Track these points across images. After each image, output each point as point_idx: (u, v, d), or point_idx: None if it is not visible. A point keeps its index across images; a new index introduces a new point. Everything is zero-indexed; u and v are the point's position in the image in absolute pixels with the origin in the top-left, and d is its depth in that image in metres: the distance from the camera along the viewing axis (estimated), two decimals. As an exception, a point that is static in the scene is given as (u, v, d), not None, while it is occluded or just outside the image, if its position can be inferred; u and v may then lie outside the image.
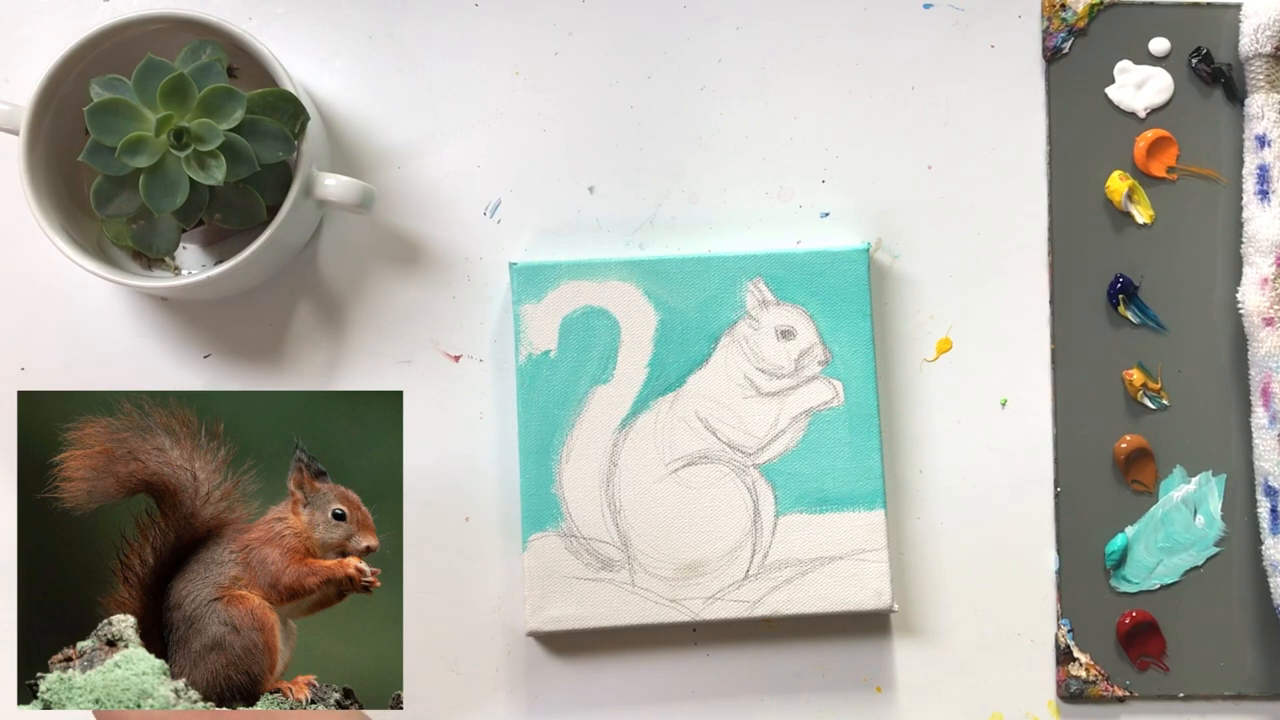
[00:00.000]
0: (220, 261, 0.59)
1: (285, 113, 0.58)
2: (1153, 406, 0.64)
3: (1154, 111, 0.65)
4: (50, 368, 0.64)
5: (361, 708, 0.53)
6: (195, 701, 0.51)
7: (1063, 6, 0.65)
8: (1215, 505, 0.64)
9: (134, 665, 0.51)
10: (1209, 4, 0.65)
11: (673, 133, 0.65)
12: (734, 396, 0.62)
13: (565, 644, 0.63)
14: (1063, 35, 0.65)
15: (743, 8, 0.66)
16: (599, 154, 0.65)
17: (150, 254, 0.59)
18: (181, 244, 0.63)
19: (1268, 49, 0.63)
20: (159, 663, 0.51)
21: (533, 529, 0.61)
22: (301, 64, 0.65)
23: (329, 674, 0.53)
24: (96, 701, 0.50)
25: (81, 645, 0.51)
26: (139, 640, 0.51)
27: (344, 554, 0.53)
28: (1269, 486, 0.62)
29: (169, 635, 0.52)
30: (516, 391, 0.62)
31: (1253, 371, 0.63)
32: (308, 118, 0.59)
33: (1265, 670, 0.63)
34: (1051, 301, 0.65)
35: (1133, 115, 0.65)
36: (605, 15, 0.66)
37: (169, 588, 0.52)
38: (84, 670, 0.51)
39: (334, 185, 0.59)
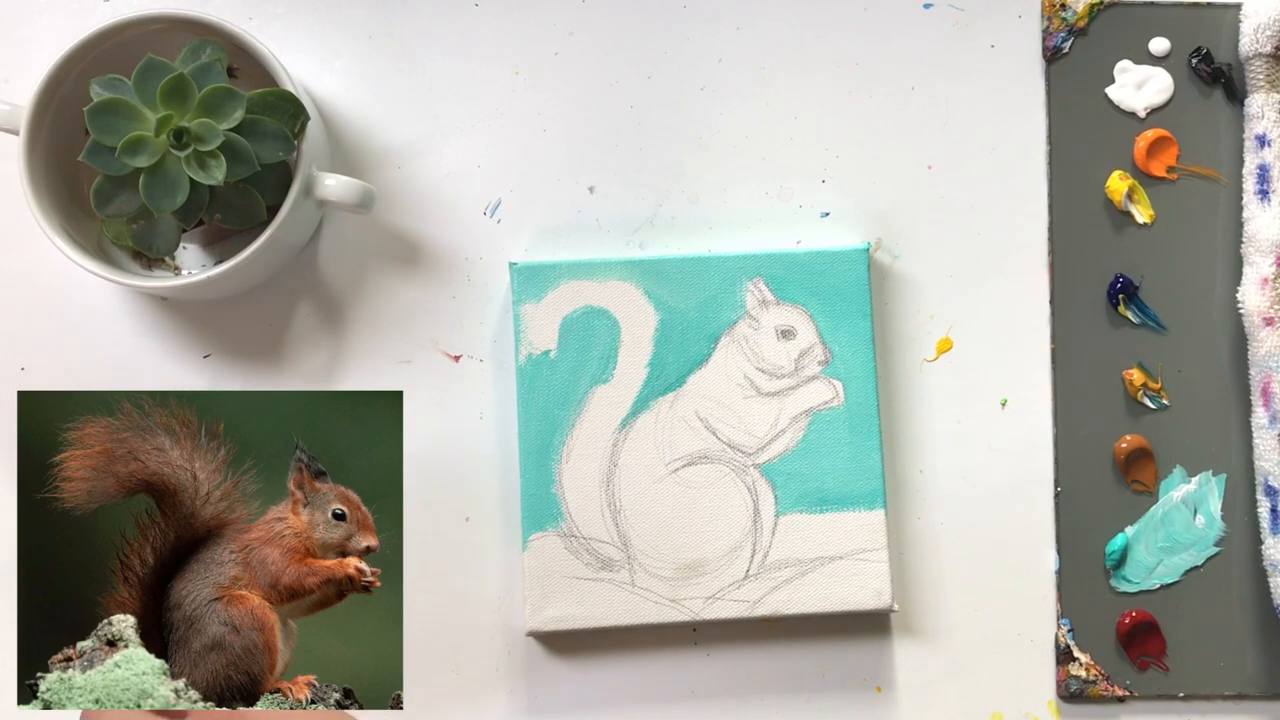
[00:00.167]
0: (220, 261, 0.59)
1: (285, 113, 0.58)
2: (1153, 406, 0.64)
3: (1154, 111, 0.65)
4: (50, 368, 0.64)
5: (361, 707, 0.53)
6: (195, 701, 0.51)
7: (1063, 6, 0.65)
8: (1215, 505, 0.64)
9: (134, 665, 0.51)
10: (1209, 4, 0.65)
11: (673, 133, 0.65)
12: (734, 396, 0.62)
13: (565, 644, 0.63)
14: (1063, 35, 0.65)
15: (743, 8, 0.66)
16: (599, 154, 0.65)
17: (150, 254, 0.59)
18: (181, 244, 0.63)
19: (1268, 49, 0.63)
20: (159, 663, 0.51)
21: (533, 529, 0.61)
22: (301, 64, 0.65)
23: (329, 674, 0.53)
24: (96, 701, 0.50)
25: (81, 645, 0.51)
26: (139, 640, 0.51)
27: (344, 554, 0.53)
28: (1269, 486, 0.62)
29: (169, 635, 0.52)
30: (516, 391, 0.62)
31: (1253, 371, 0.63)
32: (308, 118, 0.59)
33: (1265, 670, 0.63)
34: (1051, 301, 0.65)
35: (1133, 115, 0.65)
36: (605, 15, 0.66)
37: (169, 588, 0.52)
38: (84, 670, 0.51)
39: (334, 185, 0.59)
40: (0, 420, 0.64)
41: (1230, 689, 0.63)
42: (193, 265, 0.64)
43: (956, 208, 0.65)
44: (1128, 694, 0.63)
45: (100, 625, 0.51)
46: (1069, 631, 0.63)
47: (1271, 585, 0.62)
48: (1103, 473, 0.64)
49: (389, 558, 0.54)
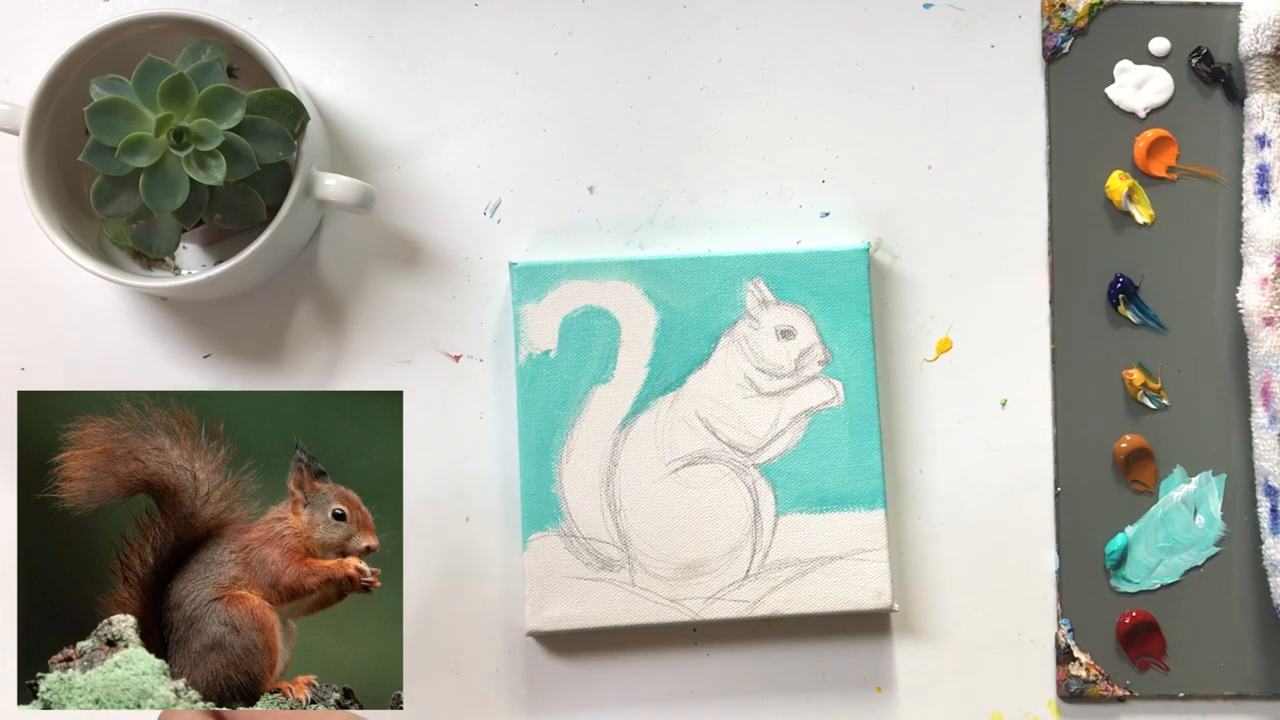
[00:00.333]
0: (220, 261, 0.59)
1: (285, 113, 0.58)
2: (1153, 406, 0.64)
3: (1154, 111, 0.65)
4: (50, 368, 0.64)
5: (361, 707, 0.53)
6: (195, 701, 0.51)
7: (1063, 6, 0.65)
8: (1215, 505, 0.64)
9: (134, 665, 0.51)
10: (1209, 4, 0.65)
11: (673, 133, 0.65)
12: (734, 396, 0.62)
13: (565, 644, 0.63)
14: (1063, 35, 0.65)
15: (743, 8, 0.66)
16: (599, 154, 0.65)
17: (150, 254, 0.59)
18: (181, 244, 0.63)
19: (1268, 49, 0.63)
20: (159, 663, 0.51)
21: (533, 529, 0.61)
22: (301, 64, 0.65)
23: (329, 674, 0.53)
24: (96, 701, 0.50)
25: (81, 645, 0.51)
26: (139, 640, 0.51)
27: (344, 554, 0.53)
28: (1269, 486, 0.62)
29: (169, 635, 0.52)
30: (516, 391, 0.62)
31: (1253, 371, 0.63)
32: (308, 118, 0.59)
33: (1265, 670, 0.63)
34: (1051, 301, 0.65)
35: (1133, 115, 0.65)
36: (605, 15, 0.66)
37: (169, 588, 0.52)
38: (84, 670, 0.51)
39: (334, 185, 0.59)
40: (0, 420, 0.64)
41: (1230, 689, 0.63)
42: (193, 265, 0.64)
43: (956, 208, 0.65)
44: (1128, 694, 0.63)
45: (100, 625, 0.51)
46: (1069, 631, 0.63)
47: (1271, 585, 0.62)
48: (1103, 473, 0.64)
49: (389, 558, 0.54)
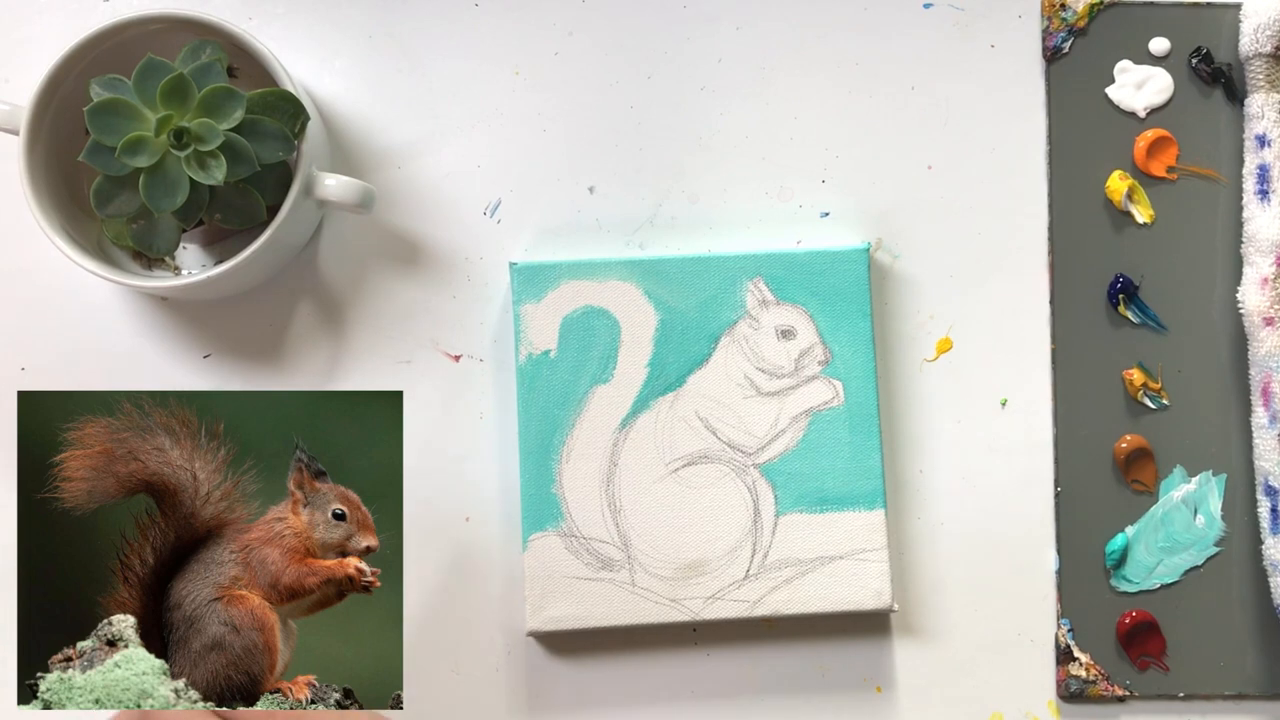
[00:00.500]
0: (220, 261, 0.59)
1: (285, 113, 0.58)
2: (1153, 406, 0.64)
3: (1154, 111, 0.65)
4: (50, 368, 0.64)
5: (362, 707, 0.53)
6: (195, 701, 0.51)
7: (1063, 6, 0.65)
8: (1215, 505, 0.64)
9: (134, 665, 0.51)
10: (1209, 4, 0.65)
11: (673, 133, 0.65)
12: (734, 396, 0.62)
13: (565, 644, 0.63)
14: (1063, 35, 0.65)
15: (743, 8, 0.66)
16: (599, 154, 0.65)
17: (150, 254, 0.59)
18: (181, 244, 0.63)
19: (1268, 49, 0.63)
20: (159, 663, 0.51)
21: (533, 529, 0.61)
22: (301, 64, 0.65)
23: (329, 674, 0.53)
24: (96, 701, 0.50)
25: (81, 645, 0.51)
26: (139, 640, 0.51)
27: (344, 554, 0.53)
28: (1269, 486, 0.62)
29: (169, 635, 0.52)
30: (516, 391, 0.62)
31: (1253, 371, 0.63)
32: (308, 118, 0.59)
33: (1265, 670, 0.63)
34: (1051, 301, 0.65)
35: (1133, 115, 0.65)
36: (605, 15, 0.66)
37: (169, 588, 0.52)
38: (84, 670, 0.51)
39: (334, 185, 0.59)
40: (0, 420, 0.64)
41: (1230, 689, 0.63)
42: (193, 265, 0.64)
43: (956, 208, 0.65)
44: (1128, 694, 0.63)
45: (100, 625, 0.51)
46: (1069, 631, 0.63)
47: (1271, 585, 0.62)
48: (1103, 473, 0.64)
49: (389, 558, 0.54)
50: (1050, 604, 0.64)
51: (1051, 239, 0.65)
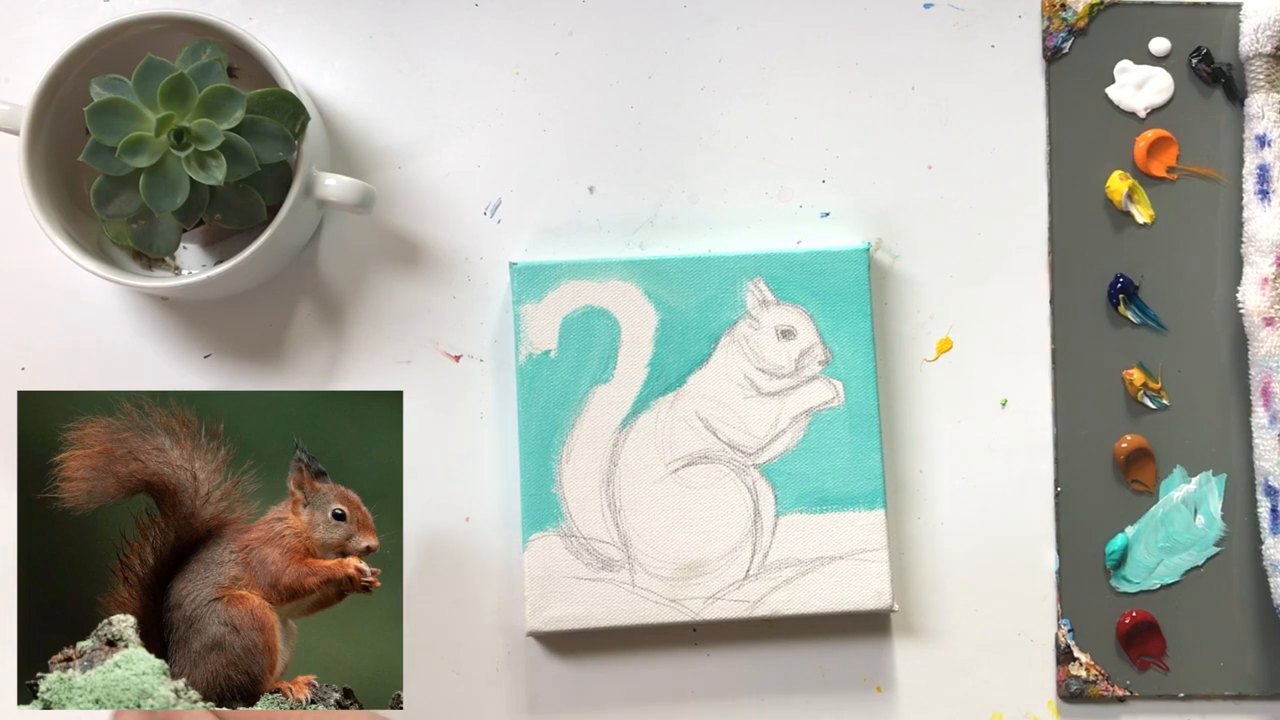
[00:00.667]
0: (220, 261, 0.59)
1: (285, 113, 0.58)
2: (1153, 406, 0.64)
3: (1154, 111, 0.65)
4: (50, 368, 0.64)
5: (362, 707, 0.53)
6: (195, 701, 0.51)
7: (1063, 6, 0.65)
8: (1215, 505, 0.64)
9: (134, 665, 0.51)
10: (1209, 4, 0.65)
11: (673, 133, 0.65)
12: (734, 396, 0.62)
13: (565, 644, 0.63)
14: (1063, 35, 0.65)
15: (743, 8, 0.66)
16: (599, 154, 0.65)
17: (150, 254, 0.59)
18: (181, 244, 0.63)
19: (1268, 49, 0.63)
20: (159, 663, 0.51)
21: (533, 529, 0.61)
22: (301, 64, 0.65)
23: (329, 674, 0.53)
24: (96, 701, 0.50)
25: (81, 645, 0.51)
26: (139, 640, 0.51)
27: (344, 554, 0.53)
28: (1269, 486, 0.62)
29: (169, 635, 0.52)
30: (516, 391, 0.62)
31: (1253, 371, 0.63)
32: (308, 118, 0.59)
33: (1265, 670, 0.63)
34: (1051, 301, 0.65)
35: (1133, 115, 0.65)
36: (605, 15, 0.66)
37: (169, 588, 0.52)
38: (84, 670, 0.51)
39: (334, 185, 0.59)
40: (0, 420, 0.64)
41: (1230, 689, 0.63)
42: (193, 265, 0.64)
43: (956, 208, 0.65)
44: (1128, 694, 0.63)
45: (100, 625, 0.51)
46: (1069, 631, 0.63)
47: (1271, 585, 0.62)
48: (1103, 473, 0.64)
49: (389, 558, 0.54)
50: (1050, 604, 0.64)
51: (1051, 239, 0.65)
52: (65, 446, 0.52)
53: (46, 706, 0.51)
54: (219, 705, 0.51)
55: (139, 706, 0.51)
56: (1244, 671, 0.63)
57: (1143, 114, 0.65)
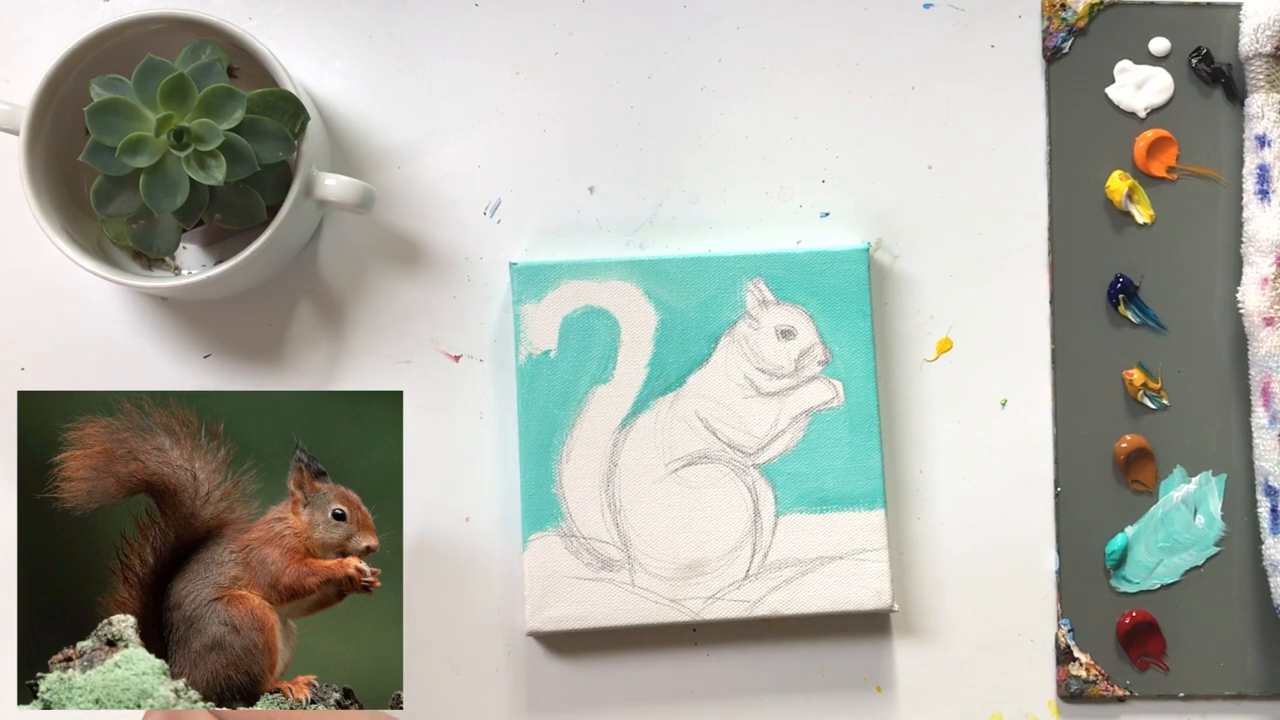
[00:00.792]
0: (220, 261, 0.59)
1: (285, 113, 0.58)
2: (1153, 406, 0.64)
3: (1154, 111, 0.65)
4: (50, 368, 0.64)
5: (362, 707, 0.53)
6: (195, 701, 0.51)
7: (1063, 6, 0.65)
8: (1215, 505, 0.64)
9: (134, 665, 0.51)
10: (1209, 4, 0.65)
11: (673, 133, 0.65)
12: (734, 396, 0.62)
13: (565, 644, 0.63)
14: (1063, 35, 0.65)
15: (743, 8, 0.66)
16: (599, 154, 0.65)
17: (150, 254, 0.59)
18: (181, 244, 0.63)
19: (1268, 49, 0.63)
20: (159, 663, 0.51)
21: (533, 529, 0.61)
22: (301, 64, 0.65)
23: (329, 674, 0.53)
24: (96, 701, 0.50)
25: (81, 645, 0.51)
26: (139, 640, 0.51)
27: (344, 554, 0.53)
28: (1269, 486, 0.62)
29: (169, 635, 0.52)
30: (516, 391, 0.62)
31: (1253, 371, 0.63)
32: (308, 118, 0.59)
33: (1265, 670, 0.63)
34: (1051, 301, 0.65)
35: (1133, 115, 0.65)
36: (605, 15, 0.66)
37: (169, 588, 0.52)
38: (84, 670, 0.51)
39: (334, 185, 0.59)
40: (0, 420, 0.64)
41: (1230, 689, 0.63)
42: (193, 265, 0.64)
43: (956, 208, 0.65)
44: (1128, 694, 0.63)
45: (100, 625, 0.51)
46: (1069, 631, 0.63)
47: (1271, 585, 0.62)
48: (1103, 473, 0.64)
49: (389, 558, 0.54)
50: (1050, 604, 0.64)
51: (1051, 239, 0.65)
52: (65, 446, 0.52)
53: (46, 706, 0.51)
54: (219, 705, 0.51)
55: (139, 706, 0.51)
56: (1244, 671, 0.63)
57: (1143, 114, 0.65)
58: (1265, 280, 0.62)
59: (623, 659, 0.63)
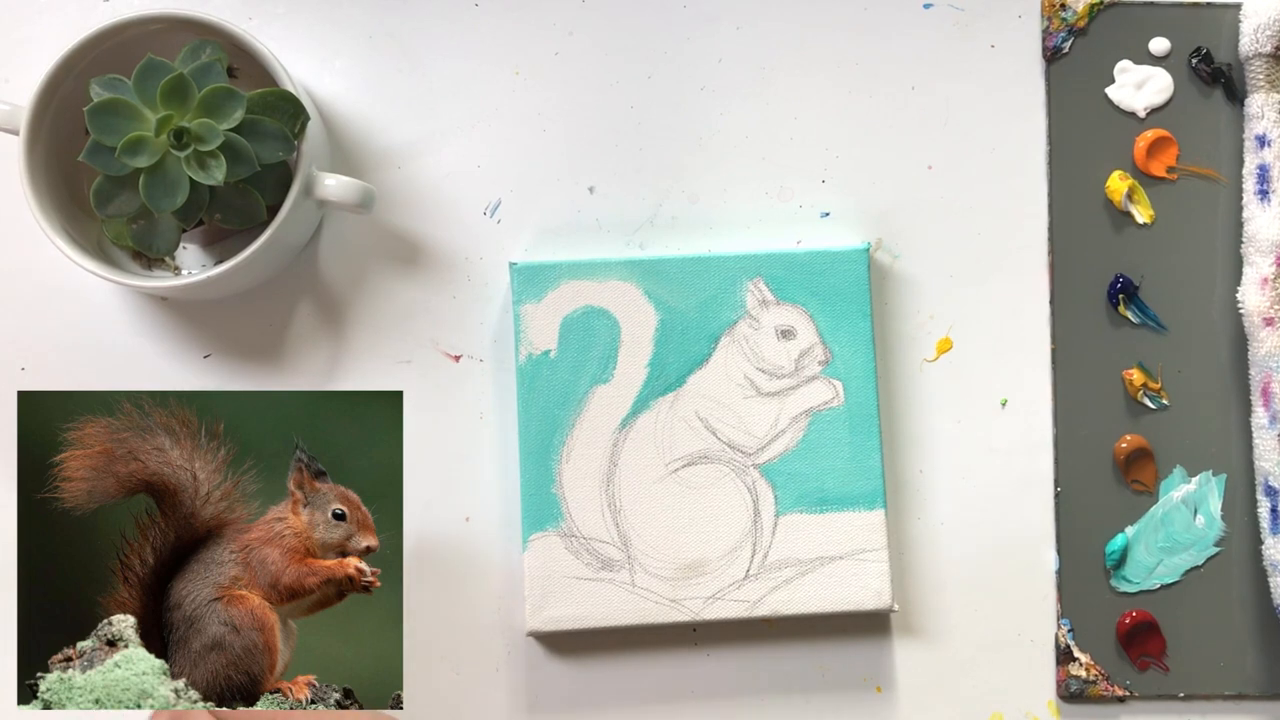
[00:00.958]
0: (220, 261, 0.59)
1: (285, 113, 0.58)
2: (1153, 406, 0.64)
3: (1154, 111, 0.65)
4: (50, 368, 0.64)
5: (362, 707, 0.53)
6: (195, 701, 0.51)
7: (1063, 6, 0.65)
8: (1215, 505, 0.64)
9: (134, 665, 0.51)
10: (1209, 4, 0.65)
11: (673, 133, 0.65)
12: (734, 396, 0.62)
13: (565, 644, 0.63)
14: (1063, 35, 0.65)
15: (743, 8, 0.66)
16: (599, 154, 0.65)
17: (150, 254, 0.59)
18: (181, 244, 0.63)
19: (1268, 49, 0.63)
20: (159, 663, 0.51)
21: (533, 529, 0.61)
22: (301, 64, 0.65)
23: (329, 674, 0.53)
24: (96, 701, 0.50)
25: (81, 645, 0.51)
26: (139, 640, 0.51)
27: (344, 554, 0.53)
28: (1269, 486, 0.62)
29: (169, 635, 0.52)
30: (516, 391, 0.62)
31: (1253, 371, 0.63)
32: (308, 118, 0.59)
33: (1265, 670, 0.63)
34: (1051, 301, 0.65)
35: (1133, 115, 0.65)
36: (605, 15, 0.66)
37: (169, 588, 0.52)
38: (84, 670, 0.51)
39: (334, 185, 0.59)
40: (0, 420, 0.64)
41: (1230, 689, 0.63)
42: (193, 265, 0.64)
43: (956, 208, 0.65)
44: (1128, 694, 0.63)
45: (100, 625, 0.51)
46: (1069, 631, 0.63)
47: (1271, 585, 0.62)
48: (1103, 473, 0.64)
49: (389, 558, 0.54)
50: (1050, 604, 0.64)
51: (1051, 239, 0.65)
52: (65, 446, 0.52)
53: (46, 706, 0.51)
54: (219, 705, 0.51)
55: (139, 706, 0.51)
56: (1244, 671, 0.63)
57: (1143, 114, 0.65)
58: (1265, 280, 0.62)
59: (623, 659, 0.63)
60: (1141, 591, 0.63)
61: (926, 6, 0.66)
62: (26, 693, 0.51)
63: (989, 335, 0.65)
